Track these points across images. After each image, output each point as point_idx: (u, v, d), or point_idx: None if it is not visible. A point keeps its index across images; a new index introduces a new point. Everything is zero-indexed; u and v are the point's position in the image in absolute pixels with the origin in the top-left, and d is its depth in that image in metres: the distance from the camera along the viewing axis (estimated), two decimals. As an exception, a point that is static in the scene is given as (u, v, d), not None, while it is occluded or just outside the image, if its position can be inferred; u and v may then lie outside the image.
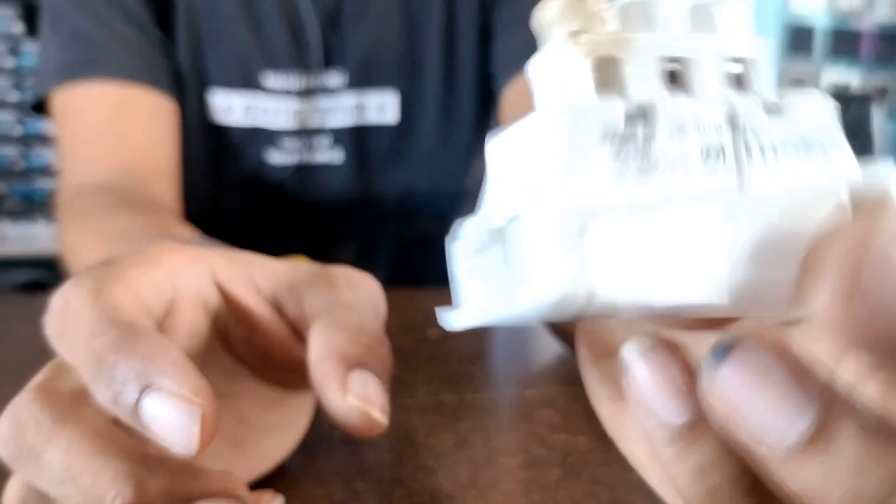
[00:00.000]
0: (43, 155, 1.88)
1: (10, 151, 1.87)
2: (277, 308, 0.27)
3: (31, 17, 1.87)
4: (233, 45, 0.68)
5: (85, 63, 0.63)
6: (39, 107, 0.67)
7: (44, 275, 0.69)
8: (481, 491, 0.29)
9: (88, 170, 0.61)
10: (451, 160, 0.73)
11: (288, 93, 0.69)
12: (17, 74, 1.84)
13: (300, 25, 0.68)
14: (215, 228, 0.67)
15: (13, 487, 0.22)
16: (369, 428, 0.22)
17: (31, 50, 1.84)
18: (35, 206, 1.90)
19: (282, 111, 0.69)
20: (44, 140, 1.87)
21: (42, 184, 1.90)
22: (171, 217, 0.57)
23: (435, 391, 0.41)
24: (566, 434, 0.34)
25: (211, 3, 0.67)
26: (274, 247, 0.44)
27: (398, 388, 0.37)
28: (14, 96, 1.85)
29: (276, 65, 0.68)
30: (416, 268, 0.71)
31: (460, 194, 0.73)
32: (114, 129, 0.63)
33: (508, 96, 0.70)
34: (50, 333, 0.22)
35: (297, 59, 0.68)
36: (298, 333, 0.26)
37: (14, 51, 1.84)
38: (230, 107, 0.69)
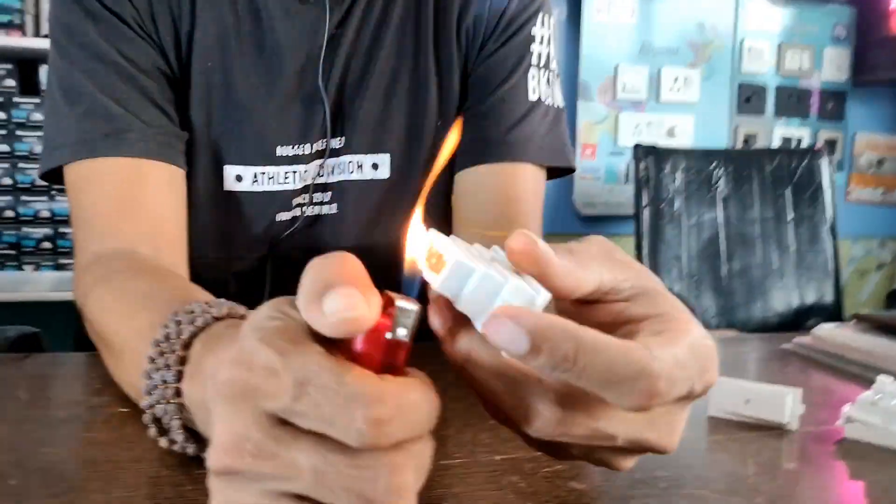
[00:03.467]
0: (32, 205, 1.93)
1: (0, 200, 1.91)
2: None
3: (24, 75, 1.93)
4: (249, 127, 0.70)
5: (102, 140, 0.64)
6: (49, 174, 0.67)
7: (31, 328, 0.72)
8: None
9: (105, 239, 0.62)
10: (435, 210, 0.77)
11: (296, 158, 0.72)
12: (8, 128, 1.89)
13: (313, 101, 0.71)
14: (221, 290, 0.74)
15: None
16: None
17: (23, 105, 1.90)
18: (23, 253, 1.94)
19: (290, 175, 0.72)
20: (32, 191, 1.92)
21: (31, 232, 1.94)
22: (187, 281, 0.59)
23: (413, 455, 0.46)
24: (531, 500, 0.39)
25: (227, 89, 0.69)
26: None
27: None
28: (4, 148, 1.90)
29: (290, 139, 0.71)
30: None
31: None
32: (128, 200, 0.64)
33: (465, 180, 0.76)
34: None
35: (308, 132, 0.72)
36: None
37: (6, 106, 1.89)
38: (243, 176, 0.71)
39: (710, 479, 0.44)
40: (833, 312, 1.96)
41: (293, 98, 0.72)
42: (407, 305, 0.26)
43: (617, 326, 0.33)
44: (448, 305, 0.29)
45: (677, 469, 0.45)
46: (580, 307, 0.34)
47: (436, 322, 0.31)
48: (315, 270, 0.26)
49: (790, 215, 1.96)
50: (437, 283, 0.29)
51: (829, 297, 2.01)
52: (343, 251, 0.28)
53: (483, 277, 0.28)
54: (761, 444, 0.50)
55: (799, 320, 1.93)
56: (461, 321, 0.30)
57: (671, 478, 0.44)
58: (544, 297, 0.29)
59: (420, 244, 0.30)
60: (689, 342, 0.30)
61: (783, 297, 1.96)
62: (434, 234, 0.30)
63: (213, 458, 0.26)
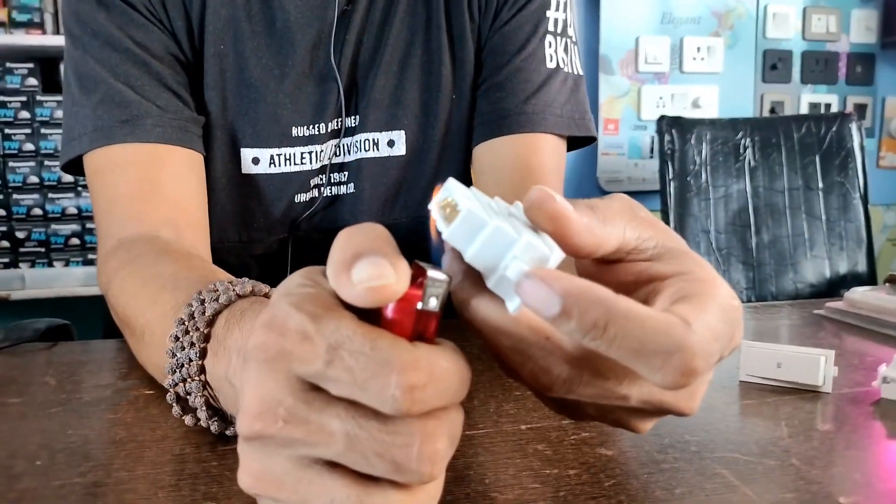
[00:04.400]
0: (59, 202, 1.96)
1: (28, 199, 1.94)
2: None
3: (46, 73, 1.95)
4: (263, 108, 0.70)
5: (118, 126, 0.64)
6: (70, 165, 0.68)
7: (61, 320, 0.73)
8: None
9: (127, 224, 0.63)
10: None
11: (312, 138, 0.72)
12: (32, 127, 1.92)
13: (326, 79, 0.71)
14: (243, 273, 0.73)
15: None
16: None
17: (46, 103, 1.92)
18: (52, 250, 1.97)
19: (307, 155, 0.72)
20: (58, 188, 1.95)
21: (59, 229, 1.96)
22: (210, 263, 0.58)
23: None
24: (558, 468, 0.39)
25: (240, 71, 0.69)
26: None
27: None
28: (30, 147, 1.92)
29: (304, 119, 0.71)
30: None
31: None
32: (148, 185, 0.64)
33: (483, 153, 0.75)
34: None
35: (323, 111, 0.72)
36: None
37: (29, 105, 1.91)
38: (260, 158, 0.71)
39: (743, 443, 0.43)
40: (866, 282, 1.92)
41: (306, 78, 0.71)
42: (438, 275, 0.26)
43: (639, 286, 0.32)
44: (460, 258, 0.29)
45: (708, 433, 0.44)
46: (601, 266, 0.33)
47: (450, 271, 0.30)
48: (344, 240, 0.26)
49: (820, 183, 1.92)
50: (447, 233, 0.28)
51: (862, 267, 1.97)
52: (372, 222, 0.27)
53: (494, 231, 0.27)
54: (794, 407, 0.49)
55: (832, 291, 1.90)
56: (470, 275, 0.29)
57: (702, 442, 0.43)
58: (557, 256, 0.28)
59: (438, 194, 0.29)
60: (718, 305, 0.29)
61: (815, 268, 1.92)
62: (453, 182, 0.29)
63: (243, 423, 0.26)
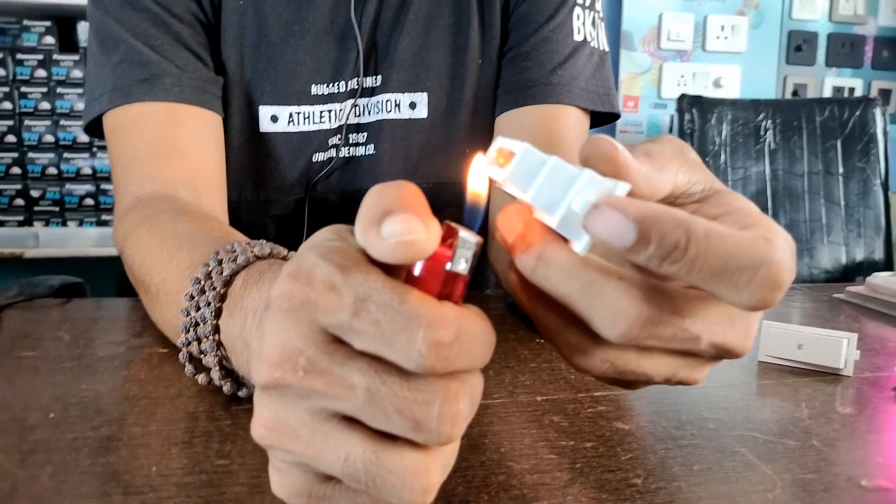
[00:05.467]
0: (74, 161, 1.95)
1: (43, 158, 1.94)
2: None
3: (63, 32, 1.93)
4: (283, 65, 0.69)
5: (137, 85, 0.64)
6: (92, 127, 0.68)
7: (75, 278, 0.73)
8: (493, 495, 0.32)
9: (145, 183, 0.62)
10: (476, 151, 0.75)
11: (332, 97, 0.71)
12: (48, 86, 1.91)
13: (346, 38, 0.70)
14: (260, 233, 0.71)
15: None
16: None
17: (63, 62, 1.91)
18: (67, 210, 1.97)
19: (326, 114, 0.71)
20: (74, 148, 1.95)
21: (74, 189, 1.96)
22: (226, 225, 0.58)
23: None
24: (574, 440, 0.38)
25: (260, 27, 0.69)
26: None
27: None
28: (45, 105, 1.91)
29: (323, 77, 0.71)
30: None
31: None
32: (167, 144, 0.63)
33: (506, 123, 0.74)
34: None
35: (342, 69, 0.71)
36: None
37: (46, 63, 1.90)
38: (279, 116, 0.70)
39: (762, 422, 0.42)
40: (883, 270, 1.89)
41: (326, 35, 0.70)
42: (469, 237, 0.25)
43: None
44: (520, 211, 0.28)
45: (727, 411, 0.44)
46: None
47: (506, 227, 0.29)
48: (374, 196, 0.25)
49: (840, 168, 1.89)
50: (506, 173, 0.27)
51: (879, 254, 1.94)
52: (403, 180, 0.26)
53: (555, 166, 0.27)
54: (814, 389, 0.48)
55: (847, 277, 1.88)
56: (532, 227, 0.28)
57: (720, 420, 0.42)
58: (623, 188, 0.27)
59: (489, 150, 0.28)
60: (780, 233, 0.28)
61: (831, 254, 1.90)
62: (503, 138, 0.28)
63: (261, 370, 0.25)
